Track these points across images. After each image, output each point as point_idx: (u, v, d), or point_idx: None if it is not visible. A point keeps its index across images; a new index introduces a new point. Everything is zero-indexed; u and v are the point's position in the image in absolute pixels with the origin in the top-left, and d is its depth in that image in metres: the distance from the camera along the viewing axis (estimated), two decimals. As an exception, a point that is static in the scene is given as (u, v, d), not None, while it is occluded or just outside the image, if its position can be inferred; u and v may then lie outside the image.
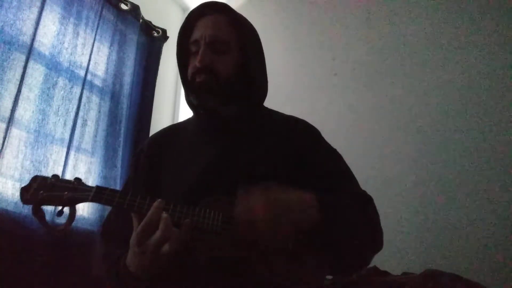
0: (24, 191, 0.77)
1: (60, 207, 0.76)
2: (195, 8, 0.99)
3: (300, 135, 0.97)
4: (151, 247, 0.71)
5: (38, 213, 0.76)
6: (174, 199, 0.81)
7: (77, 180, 0.79)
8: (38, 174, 1.52)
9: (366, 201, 0.89)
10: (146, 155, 1.00)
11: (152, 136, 1.10)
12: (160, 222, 0.72)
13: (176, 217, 0.75)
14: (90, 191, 0.77)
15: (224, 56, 0.93)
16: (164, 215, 0.72)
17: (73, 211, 0.77)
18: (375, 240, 0.85)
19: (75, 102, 1.80)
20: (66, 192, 0.76)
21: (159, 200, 0.75)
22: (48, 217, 1.17)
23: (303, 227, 0.73)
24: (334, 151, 0.98)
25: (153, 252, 0.71)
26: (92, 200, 0.76)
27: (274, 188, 0.74)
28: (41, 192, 0.75)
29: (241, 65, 0.95)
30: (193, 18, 0.98)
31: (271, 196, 0.73)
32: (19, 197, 0.77)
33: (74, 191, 0.77)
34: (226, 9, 0.98)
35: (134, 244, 0.73)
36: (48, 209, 1.39)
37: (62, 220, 0.80)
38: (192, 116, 1.06)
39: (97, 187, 0.77)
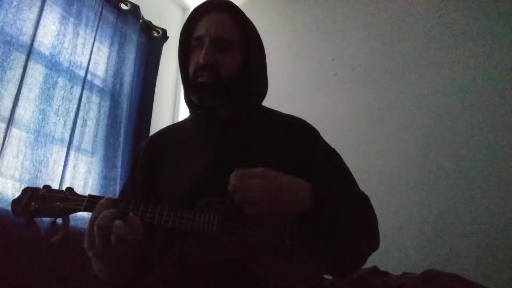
0: (15, 203, 0.75)
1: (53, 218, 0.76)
2: (199, 5, 0.97)
3: (298, 134, 0.96)
4: (98, 245, 0.70)
5: (31, 225, 0.75)
6: (172, 201, 0.81)
7: (69, 189, 0.78)
8: (38, 174, 1.55)
9: (361, 199, 0.89)
10: (144, 156, 0.99)
11: (149, 137, 1.09)
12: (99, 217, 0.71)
13: (171, 221, 0.74)
14: (82, 200, 0.76)
15: (228, 55, 0.92)
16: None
17: (66, 221, 0.76)
18: (370, 239, 0.85)
19: (75, 102, 1.80)
20: (58, 203, 0.75)
21: (106, 198, 0.75)
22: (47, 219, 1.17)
23: (294, 209, 0.74)
24: (332, 150, 0.98)
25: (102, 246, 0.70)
26: (84, 210, 0.75)
27: (272, 170, 0.75)
28: (33, 204, 0.75)
29: (243, 65, 0.94)
30: (197, 14, 0.97)
31: (269, 172, 0.74)
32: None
33: (66, 201, 0.76)
34: (231, 7, 0.97)
35: (86, 248, 0.72)
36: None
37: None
38: (189, 116, 1.05)
39: (90, 196, 0.77)
